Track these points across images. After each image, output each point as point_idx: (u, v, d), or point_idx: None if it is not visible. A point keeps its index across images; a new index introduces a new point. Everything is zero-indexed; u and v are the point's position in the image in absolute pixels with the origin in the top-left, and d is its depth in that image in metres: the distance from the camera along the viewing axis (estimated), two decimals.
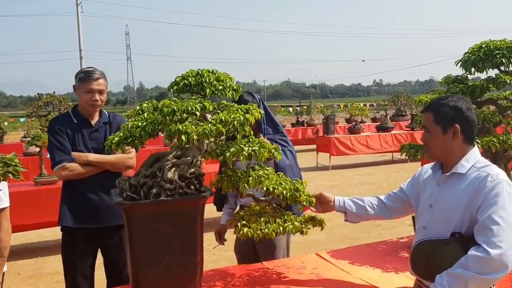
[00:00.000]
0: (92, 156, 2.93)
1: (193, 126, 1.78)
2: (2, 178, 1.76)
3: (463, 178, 1.81)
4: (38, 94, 10.17)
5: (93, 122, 3.04)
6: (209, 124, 1.81)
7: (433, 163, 2.01)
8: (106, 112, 3.15)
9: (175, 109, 1.81)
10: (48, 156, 3.06)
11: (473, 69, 2.96)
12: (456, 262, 1.69)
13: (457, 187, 1.81)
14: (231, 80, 2.06)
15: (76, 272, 2.96)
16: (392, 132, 12.89)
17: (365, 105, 20.79)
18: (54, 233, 5.72)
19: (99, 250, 3.08)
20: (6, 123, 16.06)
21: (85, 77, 2.96)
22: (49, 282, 4.78)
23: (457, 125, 1.82)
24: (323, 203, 2.23)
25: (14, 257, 5.57)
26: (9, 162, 1.78)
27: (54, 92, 10.16)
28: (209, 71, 2.02)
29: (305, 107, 20.06)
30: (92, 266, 3.02)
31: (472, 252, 1.66)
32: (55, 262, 5.25)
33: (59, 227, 3.05)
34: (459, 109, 1.83)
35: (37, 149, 5.97)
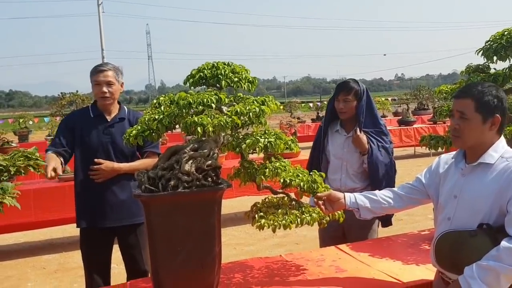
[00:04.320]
0: (124, 169, 2.98)
1: (208, 118, 1.79)
2: (23, 172, 1.80)
3: (491, 168, 1.76)
4: (61, 93, 10.37)
5: (110, 117, 3.08)
6: (225, 116, 1.82)
7: (454, 153, 1.96)
8: (126, 109, 3.17)
9: (191, 101, 1.83)
10: None
11: (495, 58, 2.89)
12: (485, 253, 1.65)
13: (484, 178, 1.77)
14: (247, 72, 2.05)
15: (92, 268, 3.06)
16: (414, 126, 12.69)
17: (386, 99, 20.52)
18: (78, 229, 5.82)
19: (117, 245, 3.13)
20: (30, 122, 16.42)
21: (94, 70, 3.05)
22: (73, 276, 4.87)
23: (498, 116, 1.77)
24: (332, 202, 2.14)
25: (39, 252, 5.70)
26: (30, 156, 1.82)
27: (77, 91, 10.35)
28: (224, 64, 2.03)
29: (325, 102, 19.93)
30: (107, 262, 3.10)
31: (504, 243, 1.62)
32: (79, 257, 5.28)
33: None
34: (501, 99, 1.77)
35: None
